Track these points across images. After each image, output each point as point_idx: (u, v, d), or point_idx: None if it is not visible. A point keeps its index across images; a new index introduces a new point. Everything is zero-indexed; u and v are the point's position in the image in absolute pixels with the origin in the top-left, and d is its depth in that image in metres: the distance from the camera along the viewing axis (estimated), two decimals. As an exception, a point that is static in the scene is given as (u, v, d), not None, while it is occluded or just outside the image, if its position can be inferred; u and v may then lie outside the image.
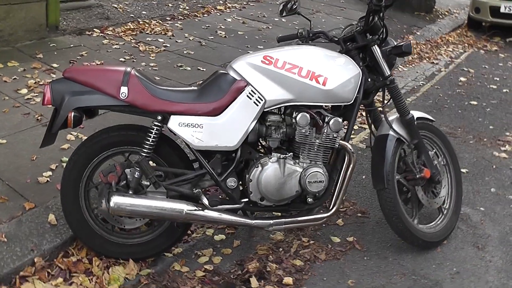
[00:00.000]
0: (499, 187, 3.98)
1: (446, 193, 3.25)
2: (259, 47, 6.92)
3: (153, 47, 6.40)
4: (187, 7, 8.57)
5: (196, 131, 2.60)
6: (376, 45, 2.84)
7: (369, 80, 2.88)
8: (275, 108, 2.71)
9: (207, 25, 7.72)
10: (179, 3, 8.78)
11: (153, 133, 2.62)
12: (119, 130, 2.74)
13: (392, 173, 2.93)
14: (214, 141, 2.62)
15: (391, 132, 2.97)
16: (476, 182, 4.01)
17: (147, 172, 2.62)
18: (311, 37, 3.02)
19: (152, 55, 6.12)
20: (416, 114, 3.07)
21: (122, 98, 2.54)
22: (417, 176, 3.01)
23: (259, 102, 2.65)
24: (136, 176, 2.64)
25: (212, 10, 8.65)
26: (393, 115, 3.06)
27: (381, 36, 2.86)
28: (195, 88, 2.72)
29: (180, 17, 8.03)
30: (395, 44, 2.92)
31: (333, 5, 10.24)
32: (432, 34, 8.68)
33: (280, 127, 2.73)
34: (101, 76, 2.59)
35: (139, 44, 6.46)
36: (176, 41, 6.76)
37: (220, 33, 7.37)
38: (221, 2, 9.29)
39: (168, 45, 6.57)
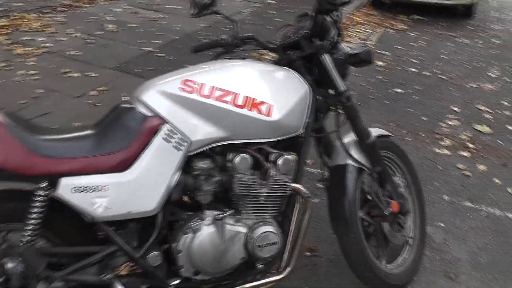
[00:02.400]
0: (451, 193, 3.53)
1: (412, 221, 2.72)
2: (154, 41, 6.10)
3: (31, 48, 5.42)
4: (69, -3, 7.54)
5: (98, 197, 1.80)
6: (326, 53, 2.19)
7: (318, 97, 2.23)
8: (203, 150, 1.99)
9: (93, 18, 6.77)
10: (59, -8, 7.71)
11: (38, 205, 1.81)
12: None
13: (355, 212, 2.32)
14: (125, 207, 1.85)
15: (349, 162, 2.34)
16: (427, 190, 3.52)
17: (35, 266, 1.81)
18: (237, 43, 2.31)
19: (31, 59, 5.15)
20: (373, 132, 2.47)
21: (-16, 160, 1.71)
22: (385, 212, 2.43)
23: (182, 146, 1.90)
24: (18, 271, 1.83)
25: (97, -1, 7.67)
26: (348, 138, 2.43)
27: (333, 41, 2.20)
28: (91, 131, 1.91)
29: (62, 8, 7.01)
30: (349, 50, 2.28)
31: (231, -14, 9.54)
32: (338, 14, 8.23)
33: (212, 175, 2.00)
34: None
35: (14, 45, 5.44)
36: (59, 40, 5.80)
37: (110, 27, 6.46)
38: (107, -11, 8.30)
39: (51, 44, 5.61)
